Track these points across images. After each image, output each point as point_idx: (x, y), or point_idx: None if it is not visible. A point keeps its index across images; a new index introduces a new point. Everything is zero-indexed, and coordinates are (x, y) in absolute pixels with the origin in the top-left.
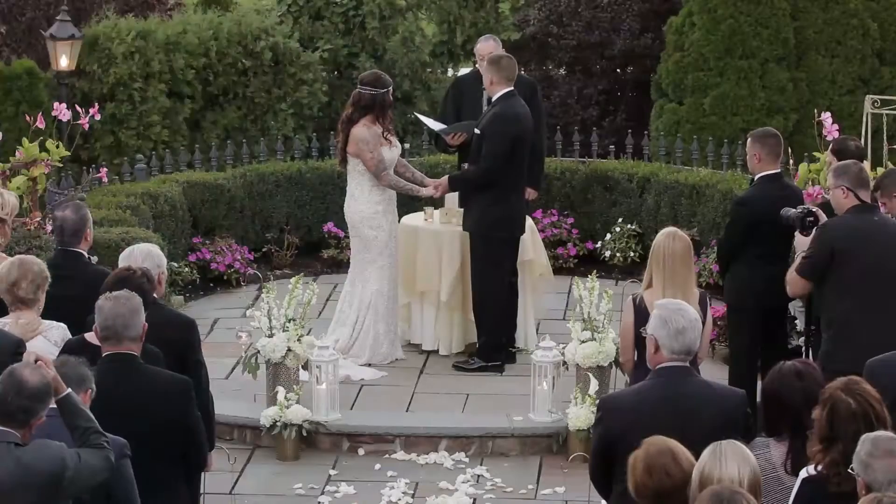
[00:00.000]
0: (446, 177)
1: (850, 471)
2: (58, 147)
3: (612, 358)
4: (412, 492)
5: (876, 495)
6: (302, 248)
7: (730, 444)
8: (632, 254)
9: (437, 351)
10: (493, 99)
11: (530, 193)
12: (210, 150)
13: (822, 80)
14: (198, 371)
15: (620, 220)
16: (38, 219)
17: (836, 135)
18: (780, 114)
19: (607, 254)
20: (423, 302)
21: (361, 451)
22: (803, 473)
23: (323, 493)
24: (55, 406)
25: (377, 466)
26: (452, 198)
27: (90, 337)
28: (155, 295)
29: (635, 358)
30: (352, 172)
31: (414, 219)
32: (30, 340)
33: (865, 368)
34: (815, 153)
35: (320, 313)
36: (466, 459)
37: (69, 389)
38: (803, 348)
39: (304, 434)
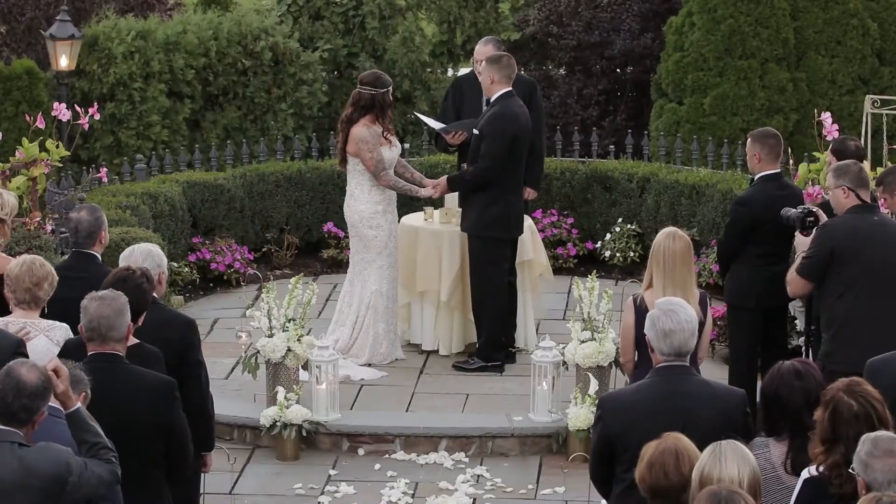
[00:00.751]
0: (445, 177)
1: (850, 471)
2: (58, 147)
3: (612, 358)
4: (412, 492)
5: (875, 494)
6: (302, 248)
7: (730, 444)
8: (632, 254)
9: (437, 351)
10: (492, 99)
11: (530, 193)
12: (210, 150)
13: (822, 80)
14: (198, 371)
15: (620, 220)
16: (37, 219)
17: (836, 135)
18: (780, 114)
19: (607, 254)
20: (423, 302)
21: (361, 451)
22: (805, 474)
23: (323, 493)
24: (60, 408)
25: (377, 466)
26: (452, 198)
27: None
28: (155, 295)
29: (635, 358)
30: (351, 172)
31: (414, 219)
32: (31, 340)
33: (866, 368)
34: (815, 153)
35: (320, 313)
36: (466, 459)
37: (78, 404)
38: (803, 348)
39: (304, 434)
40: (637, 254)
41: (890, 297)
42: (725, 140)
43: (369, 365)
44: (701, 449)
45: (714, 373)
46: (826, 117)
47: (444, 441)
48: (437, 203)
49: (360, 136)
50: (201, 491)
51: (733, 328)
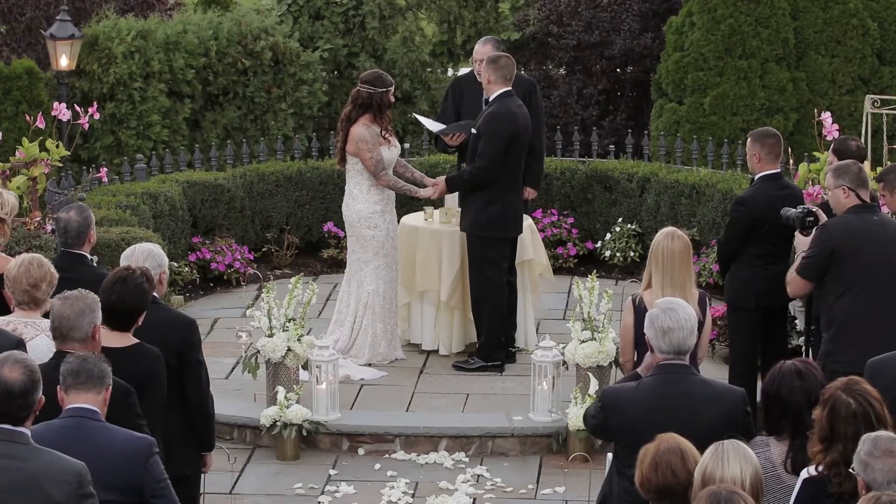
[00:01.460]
0: (443, 178)
1: (850, 471)
2: (58, 147)
3: (612, 358)
4: (412, 491)
5: (875, 494)
6: (302, 248)
7: (732, 444)
8: (632, 254)
9: (437, 351)
10: (490, 99)
11: (529, 193)
12: (210, 150)
13: (822, 80)
14: (198, 371)
15: (620, 219)
16: (38, 219)
17: (836, 135)
18: (780, 114)
19: (607, 254)
20: (423, 302)
21: (361, 451)
22: (804, 474)
23: (323, 493)
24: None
25: (377, 466)
26: (452, 198)
27: None
28: (155, 294)
29: (635, 358)
30: (350, 172)
31: (414, 219)
32: (31, 340)
33: (866, 368)
34: (815, 153)
35: (320, 313)
36: (466, 459)
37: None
38: (803, 348)
39: (304, 434)
40: (637, 254)
41: (890, 297)
42: (725, 140)
43: (369, 365)
44: (700, 448)
45: (714, 373)
46: (826, 117)
47: (444, 441)
48: (437, 203)
49: (360, 135)
50: (201, 491)
51: (733, 328)
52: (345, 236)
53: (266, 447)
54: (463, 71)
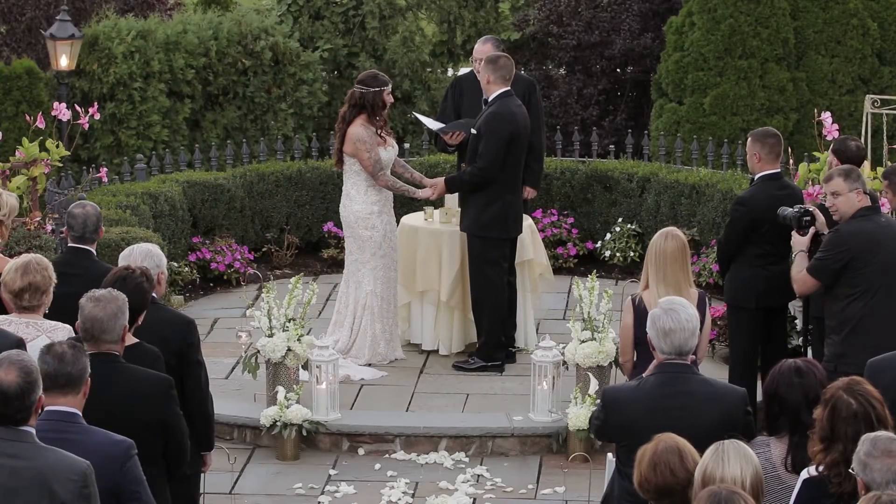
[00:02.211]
0: (442, 178)
1: (850, 471)
2: (58, 147)
3: (612, 358)
4: (412, 492)
5: (874, 494)
6: (302, 248)
7: (732, 444)
8: (632, 253)
9: (437, 351)
10: (490, 99)
11: (529, 193)
12: (210, 150)
13: (822, 80)
14: (197, 371)
15: (620, 219)
16: (38, 219)
17: (836, 134)
18: (780, 114)
19: (607, 254)
20: (423, 302)
21: (361, 451)
22: (804, 474)
23: (323, 493)
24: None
25: (377, 466)
26: (453, 198)
27: None
28: (154, 294)
29: (635, 357)
30: (348, 172)
31: (414, 219)
32: (32, 341)
33: (867, 368)
34: (815, 153)
35: (320, 313)
36: (466, 459)
37: None
38: (802, 348)
39: (304, 434)
40: (637, 253)
41: None
42: (725, 140)
43: (369, 365)
44: (701, 448)
45: (714, 373)
46: (826, 117)
47: (444, 441)
48: (438, 203)
49: (358, 136)
50: (201, 491)
51: (733, 328)
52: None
53: (266, 447)
54: (463, 71)
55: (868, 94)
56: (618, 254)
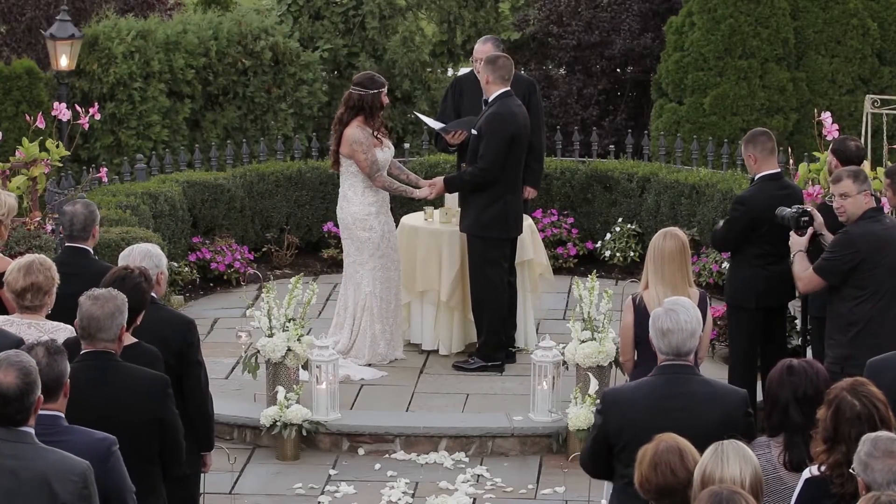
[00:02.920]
0: (441, 178)
1: (851, 471)
2: (58, 147)
3: (612, 358)
4: (412, 492)
5: (874, 494)
6: (302, 248)
7: (732, 444)
8: (632, 254)
9: (437, 351)
10: (490, 99)
11: (529, 193)
12: (210, 150)
13: (822, 80)
14: (197, 371)
15: (620, 219)
16: (38, 219)
17: (836, 135)
18: (780, 114)
19: (607, 254)
20: (423, 302)
21: (361, 451)
22: (806, 474)
23: (323, 493)
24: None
25: (377, 466)
26: (452, 198)
27: None
28: (154, 295)
29: (635, 357)
30: (345, 174)
31: (414, 219)
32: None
33: (867, 367)
34: (815, 153)
35: (320, 313)
36: (466, 459)
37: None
38: (802, 348)
39: (304, 434)
40: (637, 253)
41: None
42: (725, 140)
43: (369, 365)
44: (701, 449)
45: (714, 373)
46: (826, 117)
47: (444, 441)
48: (438, 203)
49: (354, 137)
50: (201, 491)
51: (733, 328)
52: None
53: (266, 447)
54: (463, 71)
55: (868, 94)
56: (618, 254)
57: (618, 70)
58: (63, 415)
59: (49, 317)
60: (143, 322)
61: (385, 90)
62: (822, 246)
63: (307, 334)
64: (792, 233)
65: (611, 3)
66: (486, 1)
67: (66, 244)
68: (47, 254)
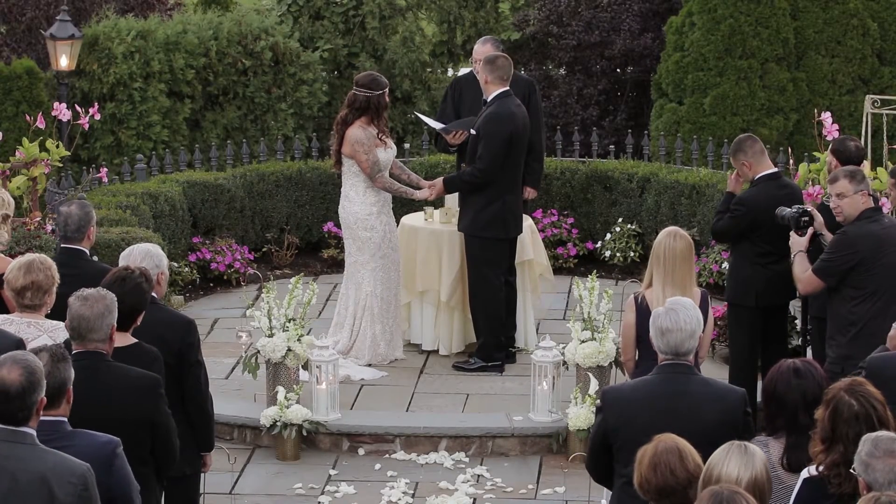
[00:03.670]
0: (441, 178)
1: (851, 471)
2: (58, 147)
3: (612, 358)
4: (412, 492)
5: (875, 494)
6: (302, 248)
7: (739, 445)
8: (632, 254)
9: (437, 351)
10: (489, 99)
11: (529, 193)
12: (210, 150)
13: (822, 80)
14: (197, 371)
15: (620, 219)
16: (38, 219)
17: (836, 135)
18: (780, 114)
19: (607, 254)
20: (423, 302)
21: (361, 451)
22: (804, 474)
23: (323, 493)
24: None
25: (377, 466)
26: (453, 198)
27: None
28: (154, 295)
29: (636, 356)
30: (346, 174)
31: (414, 219)
32: (33, 341)
33: (866, 364)
34: (815, 153)
35: (320, 313)
36: (466, 459)
37: None
38: (802, 348)
39: (304, 434)
40: (637, 254)
41: None
42: (725, 140)
43: (369, 365)
44: (700, 448)
45: (714, 373)
46: (826, 117)
47: (444, 441)
48: (438, 203)
49: (356, 137)
50: (201, 491)
51: (733, 327)
52: None
53: (266, 447)
54: (463, 71)
55: (868, 94)
56: (618, 254)
57: (618, 70)
58: (66, 419)
59: (49, 317)
60: (144, 322)
61: (387, 90)
62: (822, 246)
63: (307, 334)
64: (792, 233)
65: (611, 3)
66: (486, 1)
67: (62, 245)
68: (47, 254)
